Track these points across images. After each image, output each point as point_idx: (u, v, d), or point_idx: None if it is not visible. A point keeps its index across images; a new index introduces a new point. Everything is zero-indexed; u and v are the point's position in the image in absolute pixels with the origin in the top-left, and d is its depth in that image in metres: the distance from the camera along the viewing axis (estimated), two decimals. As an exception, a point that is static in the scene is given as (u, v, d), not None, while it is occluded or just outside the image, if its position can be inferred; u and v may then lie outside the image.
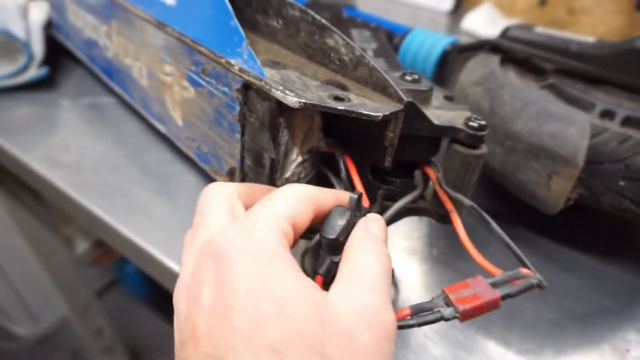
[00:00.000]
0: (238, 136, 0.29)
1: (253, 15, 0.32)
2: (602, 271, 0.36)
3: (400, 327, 0.20)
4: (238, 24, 0.28)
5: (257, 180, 0.29)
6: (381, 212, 0.27)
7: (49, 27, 0.56)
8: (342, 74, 0.27)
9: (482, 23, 0.71)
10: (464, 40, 0.72)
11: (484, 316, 0.31)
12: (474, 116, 0.27)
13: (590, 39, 0.38)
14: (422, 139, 0.28)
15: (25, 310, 1.38)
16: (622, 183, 0.29)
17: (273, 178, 0.28)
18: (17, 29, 0.51)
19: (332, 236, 0.22)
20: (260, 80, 0.26)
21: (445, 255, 0.38)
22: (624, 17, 0.68)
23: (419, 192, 0.30)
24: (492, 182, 0.38)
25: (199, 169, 0.43)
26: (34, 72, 0.53)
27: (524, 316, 0.33)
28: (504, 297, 0.21)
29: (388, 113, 0.24)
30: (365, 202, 0.25)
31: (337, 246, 0.22)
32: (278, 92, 0.24)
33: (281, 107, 0.25)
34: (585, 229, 0.40)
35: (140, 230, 0.38)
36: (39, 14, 0.55)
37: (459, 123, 0.27)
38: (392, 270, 0.25)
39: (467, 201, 0.27)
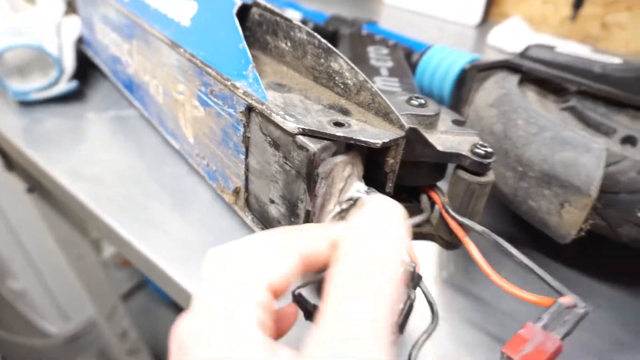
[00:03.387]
0: (242, 157, 0.29)
1: (264, 36, 0.33)
2: (621, 302, 0.34)
3: None
4: (246, 47, 0.29)
5: None
6: None
7: (79, 42, 0.58)
8: (346, 97, 0.27)
9: (510, 38, 0.69)
10: (490, 55, 0.70)
11: (472, 342, 0.31)
12: (480, 142, 0.26)
13: (616, 60, 0.37)
14: (426, 164, 0.27)
15: (57, 309, 1.43)
16: (640, 215, 0.28)
17: None
18: (51, 45, 0.53)
19: None
20: (263, 104, 0.26)
21: (455, 278, 0.37)
22: (661, 32, 0.64)
23: (427, 215, 0.29)
24: (505, 205, 0.37)
25: (212, 183, 0.43)
26: (64, 85, 0.55)
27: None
28: (562, 338, 0.20)
29: (387, 140, 0.24)
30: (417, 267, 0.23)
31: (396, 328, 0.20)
32: (278, 116, 0.24)
33: (320, 157, 0.24)
34: (604, 257, 0.38)
35: (155, 246, 0.38)
36: (71, 31, 0.57)
37: (464, 149, 0.26)
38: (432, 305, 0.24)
39: (477, 226, 0.26)
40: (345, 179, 0.26)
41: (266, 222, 0.30)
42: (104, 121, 0.54)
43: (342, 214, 0.27)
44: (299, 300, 0.23)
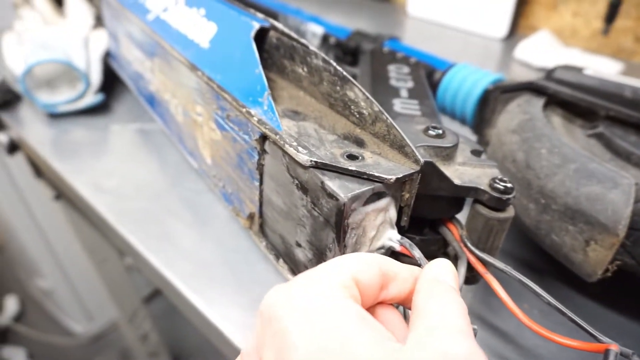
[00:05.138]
0: (257, 183, 0.29)
1: (281, 60, 0.33)
2: (654, 345, 0.33)
3: None
4: (262, 73, 0.28)
5: None
6: None
7: (107, 55, 0.60)
8: (361, 127, 0.27)
9: (538, 52, 0.67)
10: (517, 70, 0.69)
11: None
12: (500, 177, 0.25)
13: (648, 84, 0.35)
14: (444, 197, 0.26)
15: (82, 309, 1.47)
16: (672, 255, 0.26)
17: None
18: (78, 59, 0.55)
19: None
20: (277, 133, 0.26)
21: (474, 307, 0.36)
22: (701, 48, 0.61)
23: (465, 265, 0.27)
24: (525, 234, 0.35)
25: (229, 201, 0.43)
26: (91, 98, 0.56)
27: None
28: None
29: (401, 176, 0.23)
30: None
31: None
32: (291, 148, 0.24)
33: (351, 208, 0.22)
34: (632, 292, 0.36)
35: (168, 261, 0.39)
36: (98, 45, 0.59)
37: (482, 184, 0.25)
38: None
39: (499, 263, 0.25)
40: (377, 227, 0.24)
41: (293, 263, 0.29)
42: (128, 133, 0.55)
43: None
44: None
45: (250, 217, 0.31)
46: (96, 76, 0.57)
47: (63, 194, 0.74)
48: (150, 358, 1.25)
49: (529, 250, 0.40)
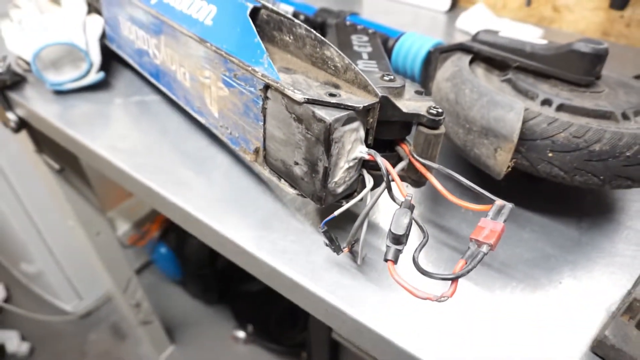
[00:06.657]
0: (261, 124, 0.39)
1: (271, 31, 0.43)
2: (550, 227, 0.46)
3: (463, 275, 0.28)
4: (260, 40, 0.39)
5: (311, 183, 0.36)
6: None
7: (103, 37, 0.67)
8: (337, 76, 0.37)
9: (475, 22, 0.80)
10: (458, 38, 0.81)
11: (445, 257, 0.41)
12: (434, 105, 0.37)
13: (543, 41, 0.47)
14: (397, 123, 0.38)
15: (72, 290, 1.52)
16: (550, 154, 0.38)
17: (325, 182, 0.35)
18: (79, 41, 0.62)
19: (401, 232, 0.30)
20: (277, 82, 0.36)
21: (425, 214, 0.47)
22: (602, 14, 0.75)
23: (407, 161, 0.39)
24: (459, 157, 0.47)
25: (229, 152, 0.53)
26: (94, 76, 0.64)
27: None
28: (504, 222, 0.31)
29: (367, 104, 0.34)
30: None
31: (403, 238, 0.31)
32: (289, 90, 0.35)
33: (334, 127, 0.32)
34: (537, 194, 0.49)
35: (185, 199, 0.49)
36: (95, 27, 0.66)
37: (422, 111, 0.37)
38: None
39: (434, 165, 0.36)
40: (352, 143, 0.35)
41: (292, 180, 0.39)
42: (130, 105, 0.64)
43: (349, 170, 0.37)
44: (325, 232, 0.36)
45: (256, 151, 0.42)
46: (96, 56, 0.64)
47: (69, 165, 0.81)
48: (144, 325, 1.33)
49: (462, 172, 0.52)
